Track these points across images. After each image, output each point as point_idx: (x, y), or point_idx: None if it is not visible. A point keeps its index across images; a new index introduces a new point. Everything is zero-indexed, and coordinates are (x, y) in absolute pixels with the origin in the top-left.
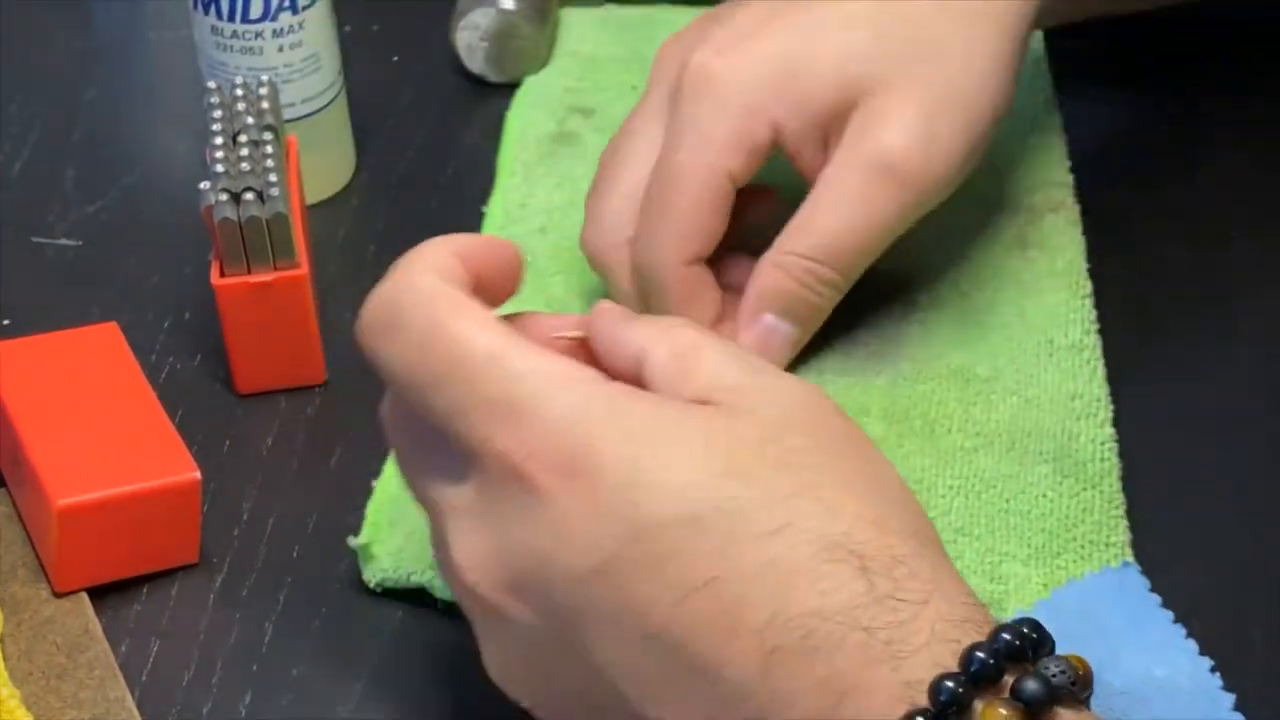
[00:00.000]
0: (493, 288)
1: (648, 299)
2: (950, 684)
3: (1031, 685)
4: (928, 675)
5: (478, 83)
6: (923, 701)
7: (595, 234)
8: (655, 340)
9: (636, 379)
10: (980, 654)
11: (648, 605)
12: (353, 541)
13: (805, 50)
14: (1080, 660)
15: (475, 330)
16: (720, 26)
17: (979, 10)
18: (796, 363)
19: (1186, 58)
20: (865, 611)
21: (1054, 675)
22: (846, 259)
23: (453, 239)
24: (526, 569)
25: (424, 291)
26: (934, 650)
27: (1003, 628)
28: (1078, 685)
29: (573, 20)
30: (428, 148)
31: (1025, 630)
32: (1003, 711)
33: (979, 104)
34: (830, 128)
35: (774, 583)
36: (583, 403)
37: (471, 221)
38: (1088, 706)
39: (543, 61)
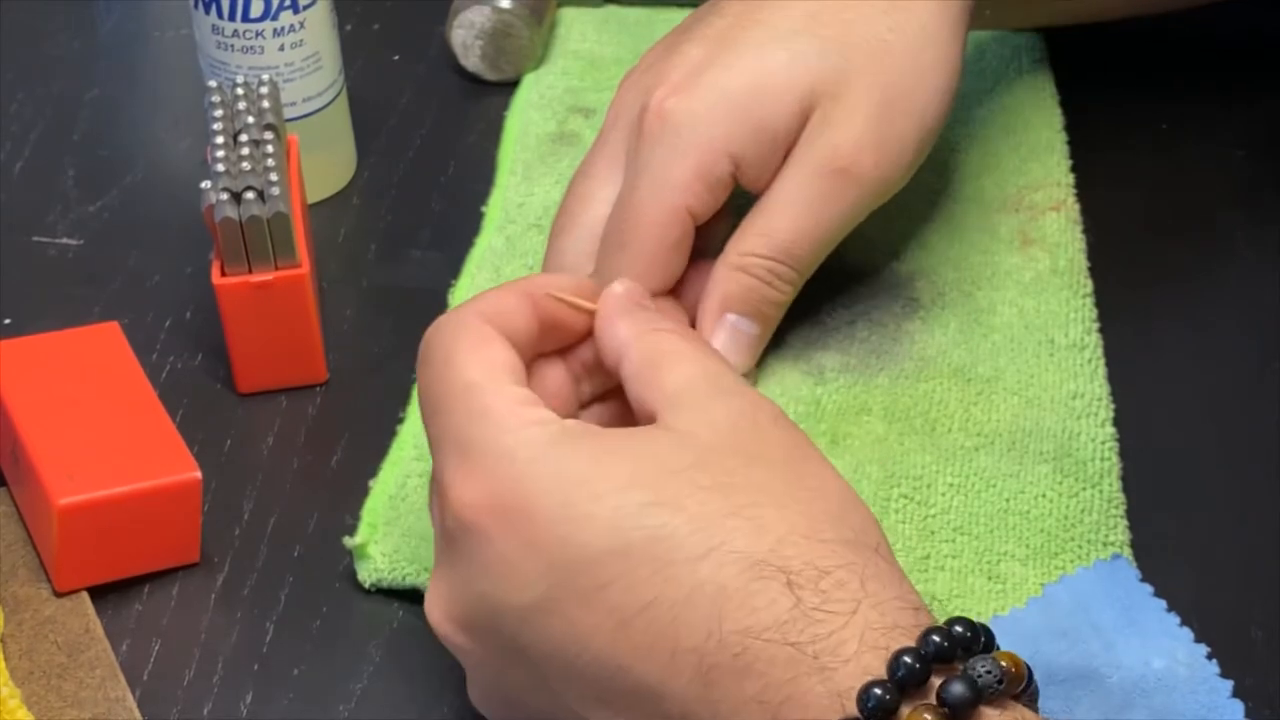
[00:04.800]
0: (569, 325)
1: None
2: (878, 691)
3: (956, 688)
4: (857, 684)
5: (478, 82)
6: (854, 710)
7: (556, 271)
8: (634, 341)
9: (616, 373)
10: (906, 659)
11: (590, 634)
12: (348, 542)
13: (755, 77)
14: (1011, 657)
15: (470, 364)
16: (673, 62)
17: (911, 3)
18: (798, 362)
19: (1186, 57)
20: (793, 626)
21: (980, 675)
22: (804, 256)
23: (539, 279)
24: (474, 609)
25: (452, 325)
26: (863, 659)
27: (931, 630)
28: (1005, 684)
29: (573, 20)
30: (428, 147)
31: (956, 630)
32: (927, 717)
33: (927, 99)
34: (789, 145)
35: (706, 604)
36: (523, 444)
37: (471, 221)
38: (1033, 702)
39: (538, 61)
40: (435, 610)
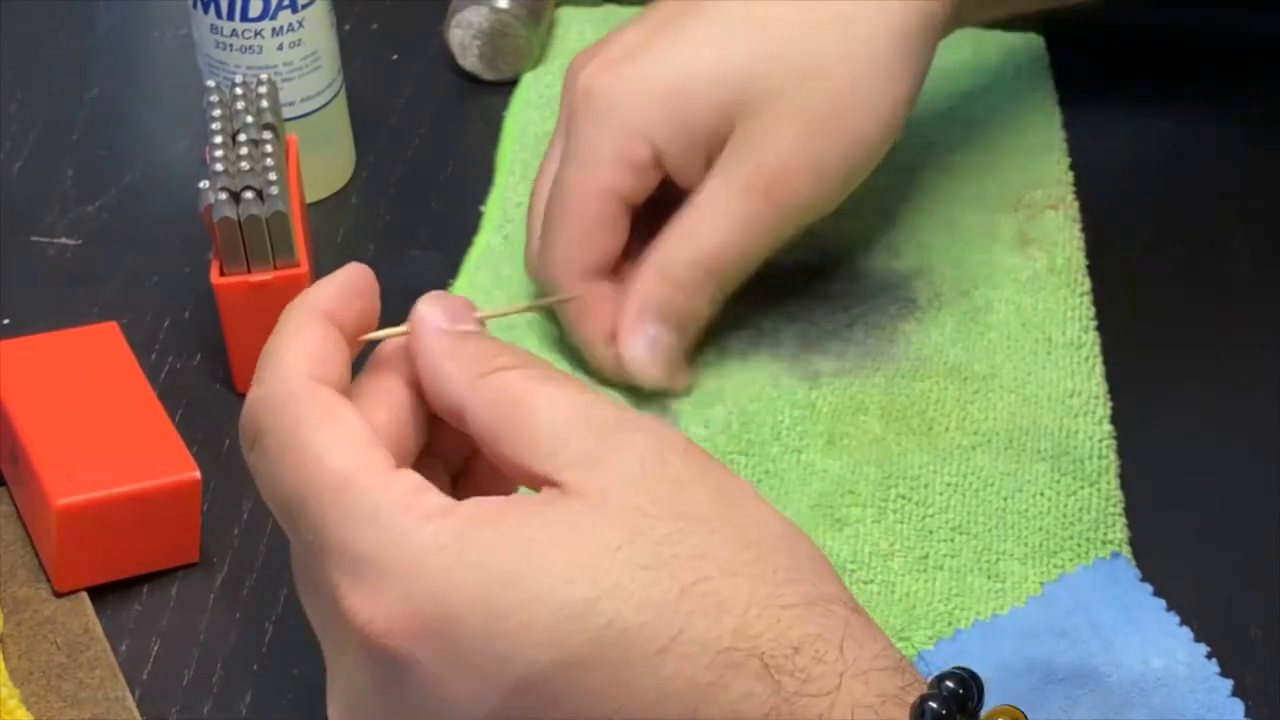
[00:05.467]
0: (369, 314)
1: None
2: None
3: None
4: None
5: (477, 81)
6: None
7: (527, 254)
8: (474, 392)
9: (457, 427)
10: None
11: None
12: None
13: (682, 71)
14: (1010, 712)
15: (330, 447)
16: (611, 41)
17: (862, 18)
18: (793, 366)
19: (1186, 56)
20: (777, 718)
21: None
22: (725, 272)
23: (320, 294)
24: None
25: (282, 397)
26: None
27: (926, 698)
28: None
29: (571, 19)
30: (427, 146)
31: (948, 688)
32: None
33: (861, 122)
34: (711, 147)
35: (679, 705)
36: (429, 548)
37: (469, 220)
38: None
39: (536, 61)
40: None
